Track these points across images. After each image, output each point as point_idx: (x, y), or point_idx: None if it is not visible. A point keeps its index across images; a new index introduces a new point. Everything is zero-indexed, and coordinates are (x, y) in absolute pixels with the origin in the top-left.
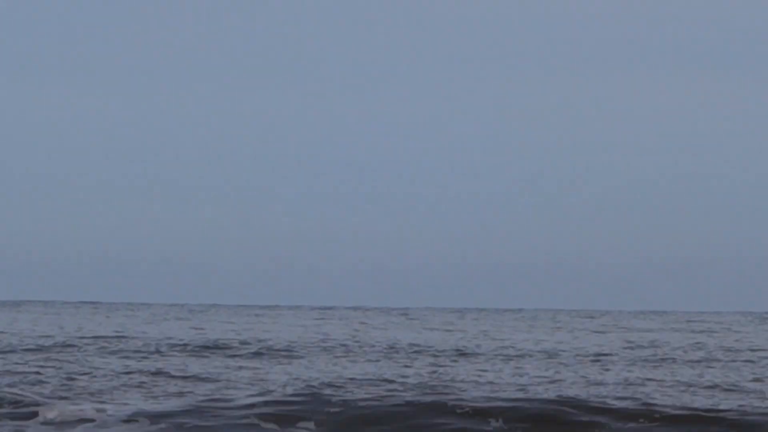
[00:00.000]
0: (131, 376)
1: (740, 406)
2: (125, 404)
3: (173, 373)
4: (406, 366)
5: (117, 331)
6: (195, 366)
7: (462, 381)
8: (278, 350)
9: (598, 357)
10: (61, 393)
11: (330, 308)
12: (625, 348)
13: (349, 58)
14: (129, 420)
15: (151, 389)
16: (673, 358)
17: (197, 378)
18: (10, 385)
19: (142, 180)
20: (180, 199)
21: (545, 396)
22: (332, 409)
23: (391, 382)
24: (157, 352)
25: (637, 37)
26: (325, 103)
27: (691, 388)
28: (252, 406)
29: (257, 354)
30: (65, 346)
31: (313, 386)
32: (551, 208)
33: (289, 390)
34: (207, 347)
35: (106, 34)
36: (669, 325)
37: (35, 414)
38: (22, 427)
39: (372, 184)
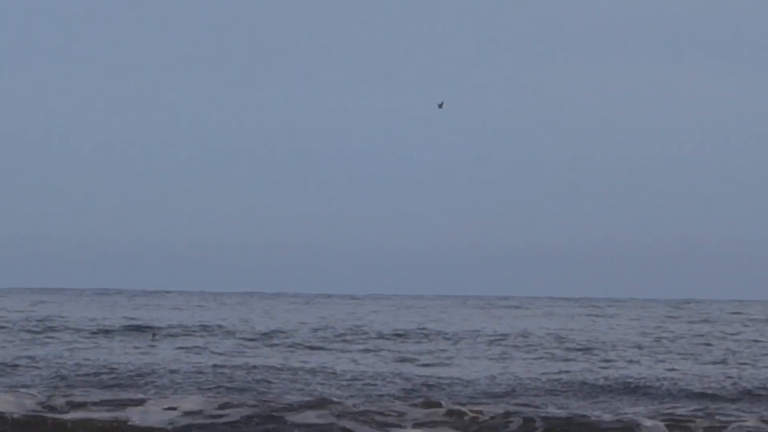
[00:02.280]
0: None
1: None
2: None
3: None
4: None
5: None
6: None
7: None
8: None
9: None
10: None
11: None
12: None
13: (353, 50)
14: None
15: None
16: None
17: None
18: None
19: (152, 170)
20: (190, 189)
21: None
22: None
23: None
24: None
25: (639, 25)
26: (329, 95)
27: None
28: None
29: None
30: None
31: None
32: (552, 196)
33: None
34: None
35: (109, 28)
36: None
37: None
38: None
39: (376, 174)
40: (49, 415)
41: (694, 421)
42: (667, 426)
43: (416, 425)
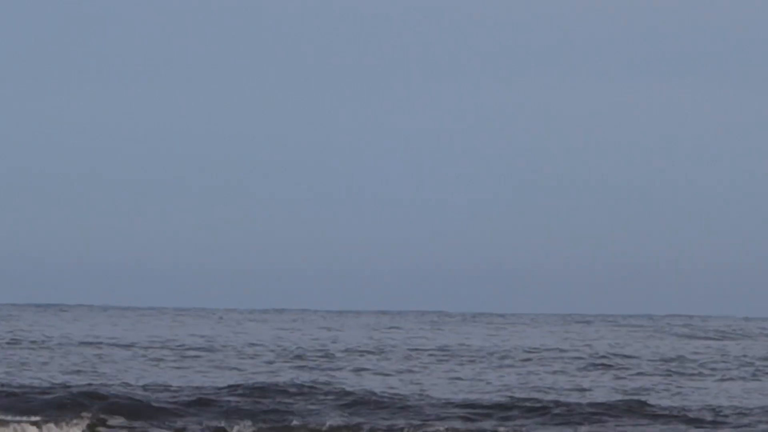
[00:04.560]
0: None
1: None
2: None
3: None
4: None
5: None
6: None
7: None
8: None
9: None
10: None
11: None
12: None
13: (343, 61)
14: None
15: None
16: None
17: None
18: None
19: (135, 182)
20: (176, 201)
21: None
22: None
23: None
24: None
25: (634, 42)
26: (320, 106)
27: None
28: None
29: None
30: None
31: None
32: (544, 212)
33: None
34: None
35: (105, 36)
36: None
37: None
38: None
39: (366, 187)
40: None
41: None
42: None
43: None
